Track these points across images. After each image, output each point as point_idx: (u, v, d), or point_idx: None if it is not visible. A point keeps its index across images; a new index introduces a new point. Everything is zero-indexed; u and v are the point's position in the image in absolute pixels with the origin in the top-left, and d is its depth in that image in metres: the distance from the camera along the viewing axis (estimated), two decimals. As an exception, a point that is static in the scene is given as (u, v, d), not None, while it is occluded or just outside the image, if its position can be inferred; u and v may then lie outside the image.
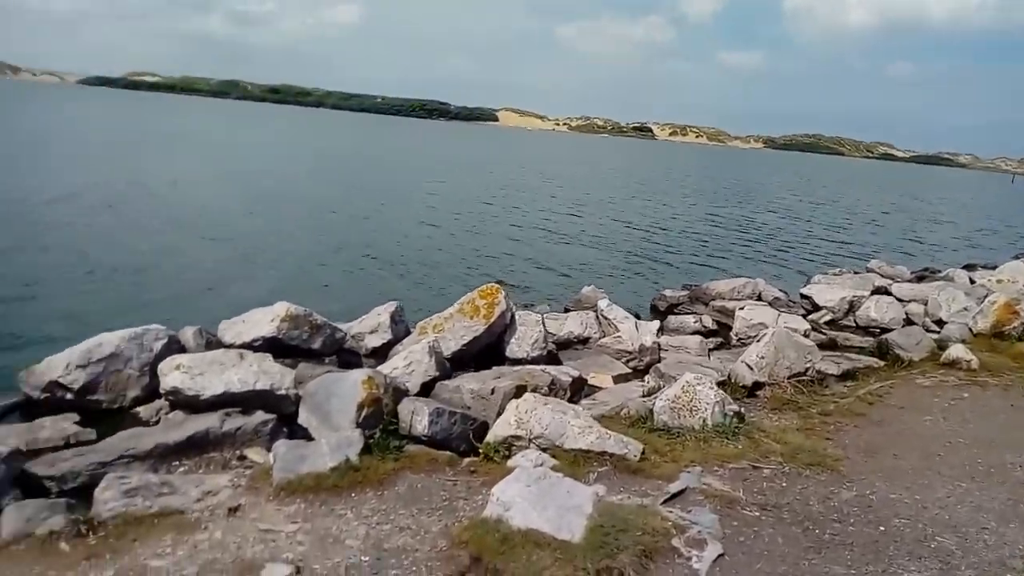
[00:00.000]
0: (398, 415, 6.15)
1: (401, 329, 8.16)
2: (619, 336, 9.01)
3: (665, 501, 5.10)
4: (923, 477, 6.07)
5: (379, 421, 5.89)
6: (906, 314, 12.52)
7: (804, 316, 12.45)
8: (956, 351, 9.92)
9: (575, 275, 15.25)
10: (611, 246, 20.08)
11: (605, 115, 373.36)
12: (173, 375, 6.21)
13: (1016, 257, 23.04)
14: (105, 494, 4.74)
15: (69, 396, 6.38)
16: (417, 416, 5.97)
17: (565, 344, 9.24)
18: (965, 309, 12.05)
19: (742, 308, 10.54)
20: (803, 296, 12.92)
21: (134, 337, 6.70)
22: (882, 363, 10.02)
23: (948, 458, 6.56)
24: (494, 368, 7.35)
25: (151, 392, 6.58)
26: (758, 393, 8.16)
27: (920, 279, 17.21)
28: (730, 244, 22.80)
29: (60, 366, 6.35)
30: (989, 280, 14.69)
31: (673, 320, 10.79)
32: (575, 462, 5.56)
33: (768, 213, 35.10)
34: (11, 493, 4.83)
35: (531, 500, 4.50)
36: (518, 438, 5.76)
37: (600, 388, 8.11)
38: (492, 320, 7.75)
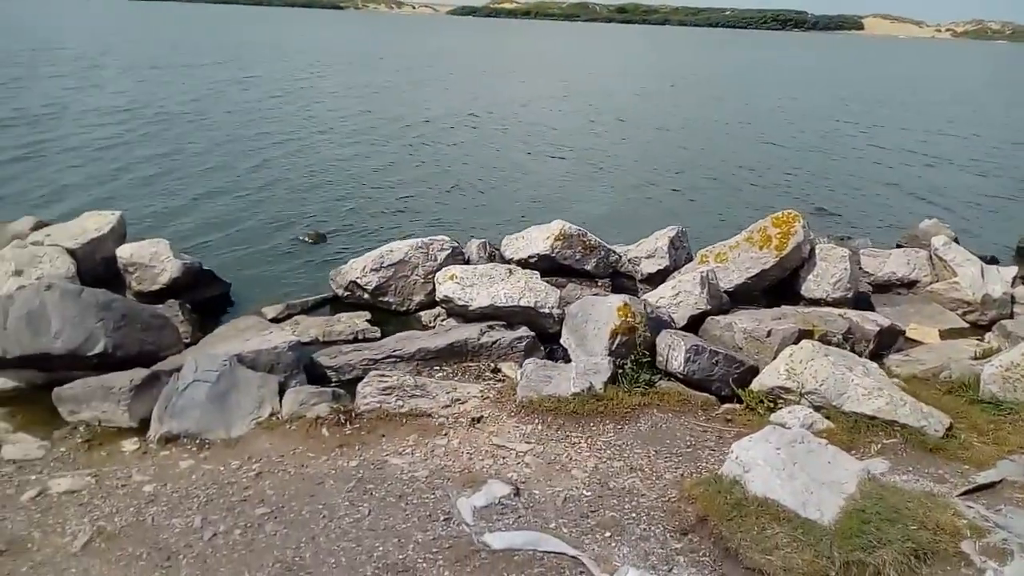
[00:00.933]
0: (656, 348, 5.70)
1: (682, 255, 7.55)
2: (956, 282, 7.32)
3: (965, 492, 4.00)
4: None
5: (632, 351, 5.51)
6: None
7: None
8: None
9: (922, 205, 12.90)
10: (980, 170, 16.61)
11: (1003, 16, 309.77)
12: (447, 284, 6.48)
13: None
14: (365, 389, 5.11)
15: (365, 296, 7.04)
16: (674, 351, 5.46)
17: (885, 286, 7.79)
18: None
19: None
20: None
21: (421, 246, 7.12)
22: None
23: None
24: (782, 307, 6.44)
25: (434, 299, 6.96)
26: None
27: None
28: None
29: (358, 268, 7.01)
30: None
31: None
32: (854, 428, 4.63)
33: None
34: (297, 378, 5.45)
35: (777, 466, 3.81)
36: (787, 390, 4.97)
37: (920, 343, 6.73)
38: (785, 252, 6.76)
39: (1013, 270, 7.73)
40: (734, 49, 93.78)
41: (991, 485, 4.12)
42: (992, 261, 9.24)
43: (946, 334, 6.94)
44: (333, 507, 4.07)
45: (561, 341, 6.27)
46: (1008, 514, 3.84)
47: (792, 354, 5.07)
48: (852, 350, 6.02)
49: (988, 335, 6.87)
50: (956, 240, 9.40)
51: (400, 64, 38.40)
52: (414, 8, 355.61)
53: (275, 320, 6.72)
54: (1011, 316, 7.29)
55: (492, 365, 5.83)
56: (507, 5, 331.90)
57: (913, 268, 7.72)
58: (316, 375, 5.63)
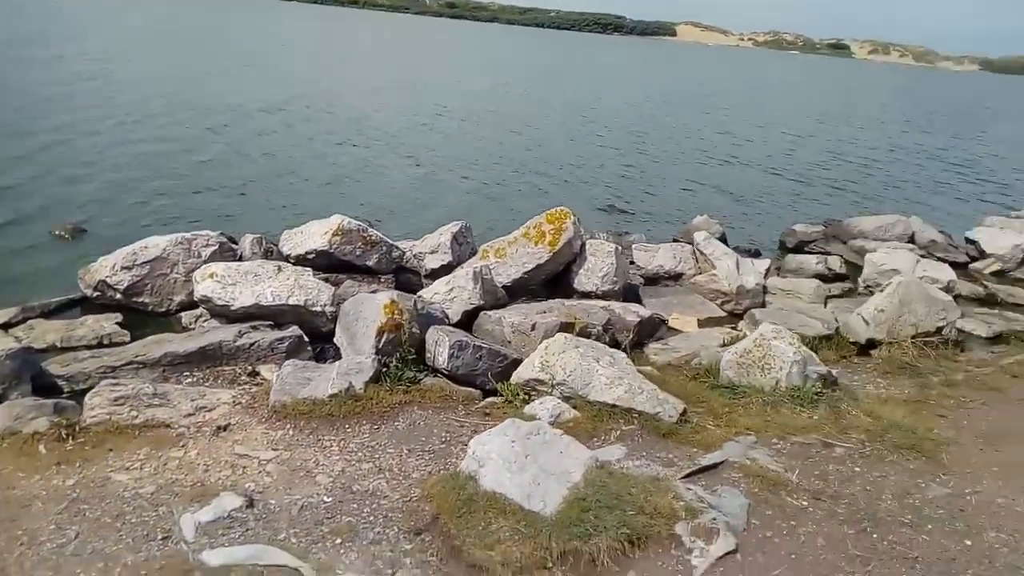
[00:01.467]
0: (425, 344, 5.65)
1: (466, 251, 7.58)
2: (714, 274, 7.91)
3: (688, 475, 4.27)
4: (1057, 479, 4.76)
5: (398, 348, 5.41)
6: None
7: (966, 265, 10.54)
8: None
9: (707, 200, 13.89)
10: (755, 173, 18.20)
11: (796, 30, 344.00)
12: (205, 283, 6.07)
13: None
14: (94, 400, 4.64)
15: (118, 297, 6.45)
16: (439, 347, 5.44)
17: (654, 279, 8.28)
18: None
19: (875, 251, 8.96)
20: (968, 241, 10.90)
21: (182, 242, 6.62)
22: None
23: (1105, 457, 5.13)
24: (549, 301, 6.62)
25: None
26: (872, 352, 6.90)
27: None
28: (902, 175, 20.01)
29: (108, 266, 6.40)
30: None
31: (793, 260, 9.39)
32: (597, 417, 4.82)
33: (962, 143, 30.67)
34: (19, 389, 4.86)
35: (508, 459, 3.85)
36: (541, 382, 5.09)
37: (680, 332, 7.18)
38: (557, 247, 6.97)
39: (766, 262, 8.48)
40: (557, 48, 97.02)
41: (714, 466, 4.42)
42: (756, 254, 10.13)
43: (704, 323, 7.46)
44: (35, 532, 3.64)
45: (335, 340, 6.06)
46: (722, 494, 4.14)
47: (547, 347, 5.20)
48: (614, 340, 6.32)
49: (740, 323, 7.48)
50: (724, 235, 10.22)
51: (201, 48, 36.09)
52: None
53: (6, 325, 5.98)
54: (763, 305, 7.98)
55: (250, 368, 5.52)
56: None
57: (679, 262, 8.25)
58: (45, 386, 5.05)
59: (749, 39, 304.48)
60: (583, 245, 7.30)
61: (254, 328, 5.83)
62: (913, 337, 6.82)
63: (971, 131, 36.85)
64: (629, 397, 4.78)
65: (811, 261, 9.18)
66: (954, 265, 10.48)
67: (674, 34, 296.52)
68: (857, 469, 4.62)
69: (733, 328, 7.30)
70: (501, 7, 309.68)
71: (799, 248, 10.41)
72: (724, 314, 7.80)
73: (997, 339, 7.79)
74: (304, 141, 15.75)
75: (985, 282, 9.72)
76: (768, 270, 8.30)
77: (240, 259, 7.05)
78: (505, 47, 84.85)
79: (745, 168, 18.61)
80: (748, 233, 11.76)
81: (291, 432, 4.70)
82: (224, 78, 24.54)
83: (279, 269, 6.28)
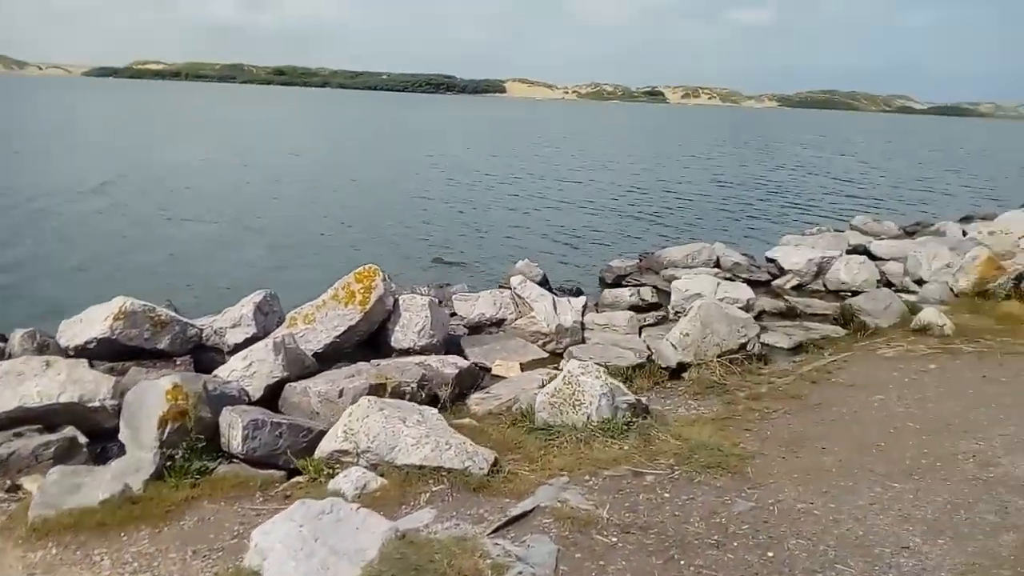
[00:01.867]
0: (220, 428, 5.17)
1: (272, 321, 7.16)
2: (533, 316, 7.96)
3: (497, 529, 4.09)
4: (849, 477, 5.01)
5: (184, 437, 4.92)
6: (882, 274, 11.33)
7: (769, 282, 11.32)
8: (928, 315, 8.78)
9: (527, 247, 14.14)
10: (578, 214, 18.90)
11: (616, 81, 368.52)
12: (-45, 390, 5.28)
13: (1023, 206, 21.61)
14: None
15: None
16: (233, 430, 4.99)
17: (477, 327, 8.20)
18: (947, 266, 10.84)
19: (679, 278, 9.42)
20: (769, 260, 11.75)
21: (-72, 344, 5.78)
22: (844, 332, 8.94)
23: (888, 450, 5.49)
24: (358, 364, 6.33)
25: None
26: (683, 375, 7.12)
27: (911, 234, 15.96)
28: (714, 205, 21.53)
29: None
30: (981, 232, 13.40)
31: (609, 294, 9.68)
32: (406, 481, 4.57)
33: (764, 173, 33.64)
34: None
35: (294, 546, 3.51)
36: (345, 452, 4.78)
37: (503, 378, 7.09)
38: (369, 307, 6.72)
39: (583, 299, 8.63)
40: (389, 110, 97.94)
41: (524, 515, 4.27)
42: (577, 292, 10.35)
43: (528, 366, 7.41)
44: None
45: (120, 436, 5.43)
46: (531, 544, 3.98)
47: (351, 413, 4.91)
48: (432, 396, 6.12)
49: (562, 362, 7.51)
50: (545, 277, 10.38)
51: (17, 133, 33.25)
52: (41, 69, 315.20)
53: None
54: (583, 341, 8.08)
55: (8, 483, 4.81)
56: (152, 66, 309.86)
57: (499, 308, 8.23)
58: None
59: (573, 91, 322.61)
60: (396, 301, 7.10)
61: (17, 435, 5.13)
62: (719, 356, 7.12)
63: (775, 160, 40.55)
64: (436, 455, 4.57)
65: (625, 294, 9.50)
66: (758, 283, 11.25)
67: (504, 91, 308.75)
68: (667, 495, 4.64)
69: (556, 368, 7.31)
70: (332, 72, 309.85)
71: (617, 282, 10.78)
72: (547, 354, 7.81)
73: (798, 349, 8.31)
74: (103, 220, 14.67)
75: (786, 296, 10.44)
76: (585, 307, 8.45)
77: (8, 357, 6.26)
78: (334, 112, 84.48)
79: (569, 210, 19.31)
80: (570, 272, 12.06)
81: (54, 551, 4.09)
82: (30, 164, 22.58)
83: (47, 364, 5.60)
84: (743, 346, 7.29)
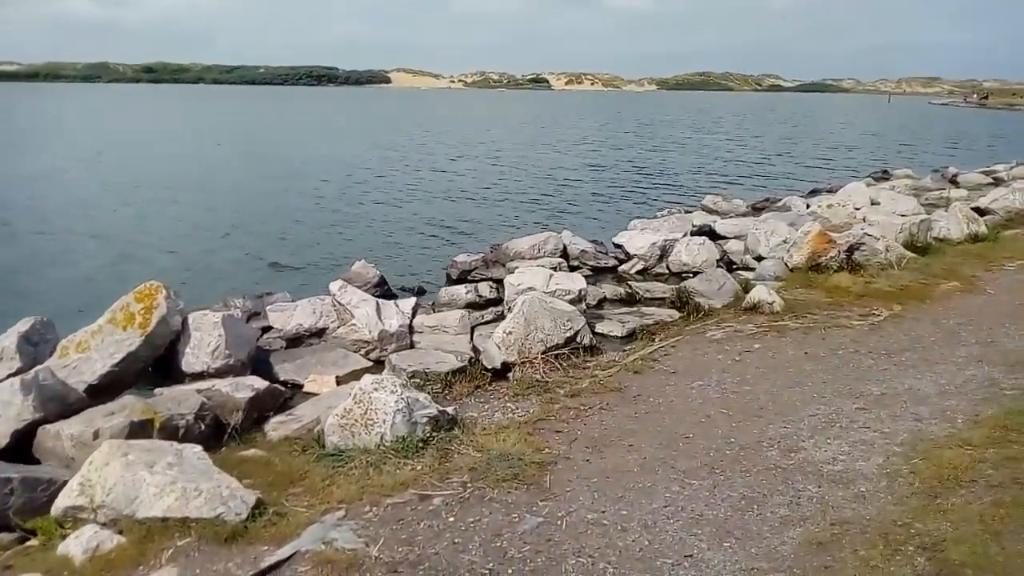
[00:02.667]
0: (-61, 490, 4.42)
1: (45, 351, 6.34)
2: (354, 324, 7.45)
3: (240, 587, 3.60)
4: (649, 476, 4.81)
5: None
6: (724, 253, 11.48)
7: (615, 268, 11.25)
8: (759, 293, 8.86)
9: (376, 247, 13.56)
10: (440, 207, 18.46)
11: (501, 69, 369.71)
12: None
13: (872, 176, 22.76)
14: None
15: None
16: (-53, 491, 4.26)
17: (296, 339, 7.62)
18: (784, 242, 11.05)
19: (512, 272, 9.15)
20: (617, 245, 11.67)
21: None
22: (678, 315, 8.91)
23: (696, 442, 5.34)
24: (125, 397, 5.62)
25: None
26: (508, 376, 6.81)
27: (759, 211, 16.41)
28: (583, 190, 21.55)
29: None
30: (820, 206, 13.86)
31: (446, 293, 9.29)
32: (147, 538, 3.99)
33: (637, 155, 34.25)
34: None
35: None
36: (80, 508, 4.15)
37: (314, 394, 6.57)
38: (150, 328, 6.03)
39: (412, 301, 8.19)
40: (271, 105, 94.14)
41: (278, 565, 3.80)
42: (419, 292, 9.92)
43: (346, 378, 6.91)
44: None
45: None
46: (277, 598, 3.52)
47: (91, 461, 4.27)
48: (216, 425, 5.53)
49: (384, 372, 7.05)
50: (383, 278, 9.87)
51: None
52: None
53: None
54: (411, 346, 7.65)
55: None
56: (5, 68, 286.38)
57: (320, 317, 7.69)
58: None
59: (460, 80, 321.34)
60: (185, 320, 6.43)
61: None
62: (544, 352, 6.84)
63: (649, 143, 41.38)
64: (181, 505, 4.01)
65: (461, 291, 9.13)
66: (605, 270, 11.15)
67: (389, 81, 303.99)
68: (451, 519, 4.28)
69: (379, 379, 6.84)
70: (205, 67, 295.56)
71: (463, 278, 10.41)
72: (370, 363, 7.34)
73: (631, 337, 8.18)
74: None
75: (630, 282, 10.36)
76: (416, 308, 8.02)
77: None
78: (200, 109, 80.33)
79: (437, 202, 18.83)
80: (422, 269, 11.61)
81: None
82: None
83: None
84: (570, 339, 7.05)
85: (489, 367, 6.84)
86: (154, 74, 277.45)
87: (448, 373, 6.52)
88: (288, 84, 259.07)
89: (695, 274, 10.65)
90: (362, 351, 7.42)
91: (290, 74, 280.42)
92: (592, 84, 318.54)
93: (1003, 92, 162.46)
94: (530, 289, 8.11)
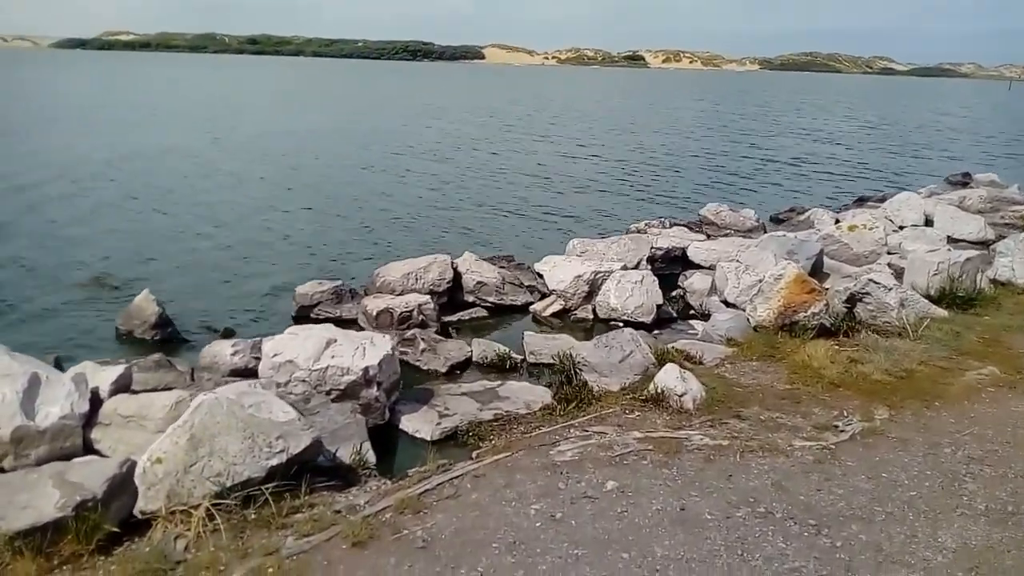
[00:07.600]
0: None
1: None
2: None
3: None
4: None
5: None
6: (681, 294, 8.45)
7: (527, 306, 8.40)
8: (667, 377, 5.90)
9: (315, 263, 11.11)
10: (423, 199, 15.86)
11: (597, 46, 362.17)
12: None
13: (949, 180, 18.67)
14: None
15: None
16: None
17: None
18: (760, 282, 7.92)
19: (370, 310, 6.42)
20: (539, 275, 8.75)
21: None
22: (551, 400, 6.08)
23: None
24: None
25: None
26: (141, 537, 4.16)
27: (779, 222, 13.09)
28: (619, 188, 18.38)
29: None
30: (840, 227, 10.44)
31: (210, 352, 6.51)
32: None
33: (689, 143, 30.59)
34: None
35: None
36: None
37: None
38: None
39: (118, 370, 5.66)
40: (361, 78, 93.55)
41: None
42: (229, 334, 7.40)
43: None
44: None
45: None
46: None
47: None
48: None
49: None
50: (167, 319, 7.39)
51: None
52: (6, 41, 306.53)
53: None
54: (85, 447, 5.15)
55: None
56: (123, 37, 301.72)
57: None
58: None
59: (553, 57, 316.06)
60: None
61: None
62: (219, 496, 4.19)
63: (701, 131, 37.34)
64: None
65: (227, 351, 6.32)
66: (510, 310, 8.33)
67: (483, 57, 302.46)
68: None
69: None
70: (306, 40, 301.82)
71: (304, 316, 7.77)
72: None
73: (449, 440, 5.45)
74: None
75: (529, 333, 7.53)
76: (125, 380, 5.49)
77: None
78: (296, 81, 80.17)
79: (429, 195, 16.23)
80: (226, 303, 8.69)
81: None
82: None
83: None
84: (277, 470, 4.37)
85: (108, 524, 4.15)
86: (257, 46, 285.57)
87: (28, 539, 3.87)
88: (384, 58, 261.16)
89: (625, 323, 7.73)
90: None
91: (387, 48, 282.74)
92: (691, 62, 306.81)
93: None
94: (289, 363, 5.42)
